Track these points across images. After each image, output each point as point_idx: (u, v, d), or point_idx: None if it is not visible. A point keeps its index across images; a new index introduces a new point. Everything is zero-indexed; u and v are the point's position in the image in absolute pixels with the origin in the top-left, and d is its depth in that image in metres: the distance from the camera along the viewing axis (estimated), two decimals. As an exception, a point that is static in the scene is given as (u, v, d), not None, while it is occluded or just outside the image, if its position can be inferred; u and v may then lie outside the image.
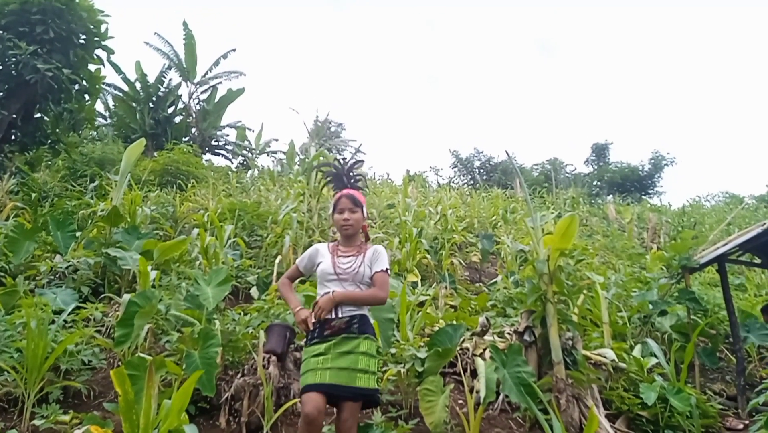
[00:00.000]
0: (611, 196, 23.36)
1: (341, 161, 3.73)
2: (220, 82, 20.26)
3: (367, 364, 3.06)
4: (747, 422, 5.11)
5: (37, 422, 3.50)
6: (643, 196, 24.13)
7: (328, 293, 3.15)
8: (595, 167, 28.03)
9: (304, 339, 3.22)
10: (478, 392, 4.36)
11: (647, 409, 4.62)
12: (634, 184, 25.65)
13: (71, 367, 4.32)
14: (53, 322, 4.45)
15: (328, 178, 3.67)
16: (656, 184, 26.23)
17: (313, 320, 3.12)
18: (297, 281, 3.98)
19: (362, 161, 3.83)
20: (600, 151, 28.26)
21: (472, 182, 25.51)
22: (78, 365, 4.39)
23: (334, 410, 3.18)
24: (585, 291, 5.87)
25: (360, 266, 3.22)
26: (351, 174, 3.64)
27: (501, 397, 4.71)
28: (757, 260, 6.98)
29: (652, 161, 26.21)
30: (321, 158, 9.41)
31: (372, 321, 3.28)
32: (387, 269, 3.25)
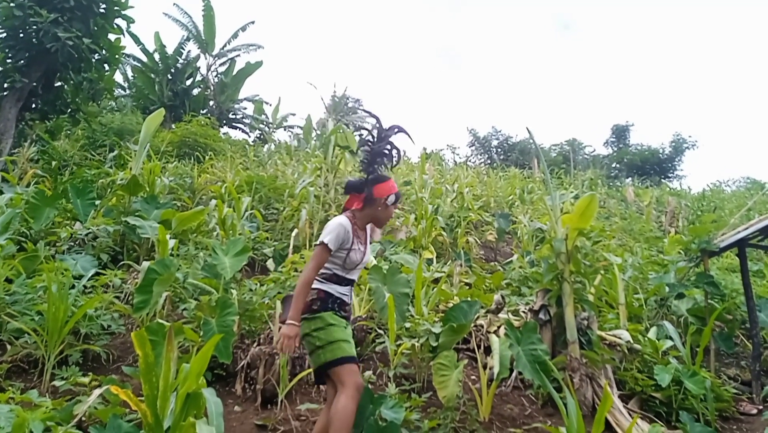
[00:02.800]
0: (630, 178, 23.11)
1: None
2: (239, 55, 20.22)
3: None
4: (761, 407, 5.08)
5: (57, 383, 3.57)
6: (663, 180, 23.82)
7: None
8: (615, 149, 27.67)
9: (318, 305, 3.06)
10: (491, 368, 4.37)
11: (661, 391, 4.61)
12: (654, 167, 25.32)
13: (91, 331, 4.40)
14: (73, 287, 4.51)
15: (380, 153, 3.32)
16: (677, 168, 25.89)
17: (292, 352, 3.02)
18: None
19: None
20: (620, 133, 27.87)
21: (489, 161, 25.35)
22: (97, 329, 4.46)
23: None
24: (602, 272, 5.84)
25: (366, 251, 3.26)
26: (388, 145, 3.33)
27: (514, 374, 4.73)
28: (779, 246, 6.87)
29: (673, 144, 25.82)
30: (340, 132, 9.34)
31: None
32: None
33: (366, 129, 3.38)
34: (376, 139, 3.30)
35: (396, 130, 3.33)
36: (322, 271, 3.11)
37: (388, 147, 3.30)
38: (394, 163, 3.37)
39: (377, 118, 3.38)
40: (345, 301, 3.15)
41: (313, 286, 3.08)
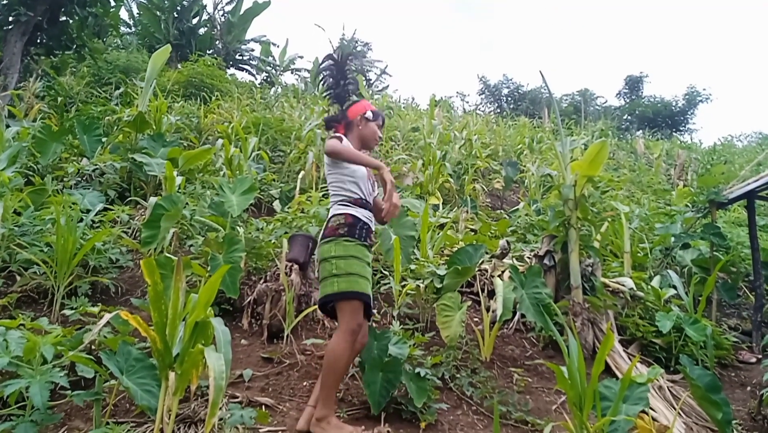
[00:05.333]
0: (641, 131, 22.81)
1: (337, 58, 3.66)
2: (246, -7, 19.69)
3: None
4: (760, 356, 5.15)
5: (66, 312, 3.62)
6: (674, 133, 23.51)
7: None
8: (627, 101, 27.19)
9: (345, 230, 2.99)
10: (494, 311, 4.43)
11: (661, 337, 4.67)
12: (666, 120, 24.92)
13: (99, 264, 4.43)
14: (81, 220, 4.53)
15: (327, 81, 3.63)
16: (689, 121, 25.45)
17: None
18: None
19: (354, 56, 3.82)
20: (634, 84, 27.33)
21: (499, 110, 25.01)
22: (106, 262, 4.50)
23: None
24: (608, 220, 5.83)
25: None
26: (346, 69, 3.61)
27: (516, 317, 4.79)
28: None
29: (687, 97, 25.31)
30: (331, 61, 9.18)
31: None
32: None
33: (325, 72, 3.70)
34: (337, 75, 3.58)
35: (349, 59, 3.67)
36: (348, 194, 3.09)
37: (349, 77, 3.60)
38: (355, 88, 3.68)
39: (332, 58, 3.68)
40: (371, 228, 3.13)
41: (341, 211, 3.06)
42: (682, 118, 25.34)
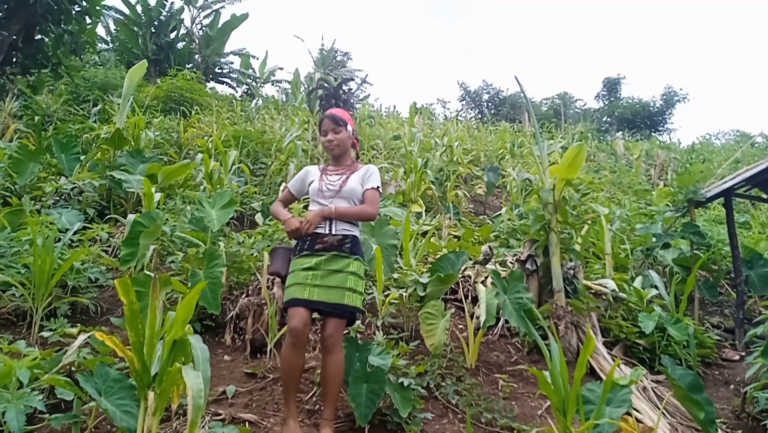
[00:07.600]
0: (621, 132, 23.05)
1: (331, 81, 3.78)
2: (223, 7, 19.62)
3: (356, 283, 3.16)
4: (743, 353, 5.19)
5: (45, 334, 3.58)
6: (653, 133, 23.79)
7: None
8: (606, 103, 27.46)
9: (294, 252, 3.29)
10: (478, 317, 4.43)
11: (645, 337, 4.69)
12: (645, 120, 25.20)
13: (78, 284, 4.38)
14: (59, 240, 4.47)
15: (320, 98, 3.74)
16: (667, 121, 25.76)
17: (303, 234, 3.18)
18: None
19: (352, 79, 3.83)
20: (611, 86, 27.62)
21: (479, 116, 25.15)
22: (85, 282, 4.44)
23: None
24: (589, 223, 5.87)
25: (347, 181, 3.27)
26: (341, 91, 3.68)
27: (501, 323, 4.80)
28: (765, 195, 6.92)
29: (664, 97, 25.63)
30: (324, 84, 9.23)
31: (362, 244, 3.37)
32: (377, 187, 3.32)
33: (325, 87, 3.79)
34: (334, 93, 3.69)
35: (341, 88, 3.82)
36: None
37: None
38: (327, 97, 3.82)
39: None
40: (318, 233, 3.20)
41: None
42: (660, 118, 25.65)
